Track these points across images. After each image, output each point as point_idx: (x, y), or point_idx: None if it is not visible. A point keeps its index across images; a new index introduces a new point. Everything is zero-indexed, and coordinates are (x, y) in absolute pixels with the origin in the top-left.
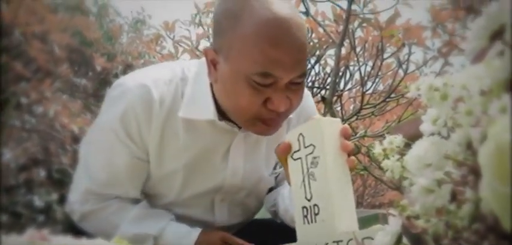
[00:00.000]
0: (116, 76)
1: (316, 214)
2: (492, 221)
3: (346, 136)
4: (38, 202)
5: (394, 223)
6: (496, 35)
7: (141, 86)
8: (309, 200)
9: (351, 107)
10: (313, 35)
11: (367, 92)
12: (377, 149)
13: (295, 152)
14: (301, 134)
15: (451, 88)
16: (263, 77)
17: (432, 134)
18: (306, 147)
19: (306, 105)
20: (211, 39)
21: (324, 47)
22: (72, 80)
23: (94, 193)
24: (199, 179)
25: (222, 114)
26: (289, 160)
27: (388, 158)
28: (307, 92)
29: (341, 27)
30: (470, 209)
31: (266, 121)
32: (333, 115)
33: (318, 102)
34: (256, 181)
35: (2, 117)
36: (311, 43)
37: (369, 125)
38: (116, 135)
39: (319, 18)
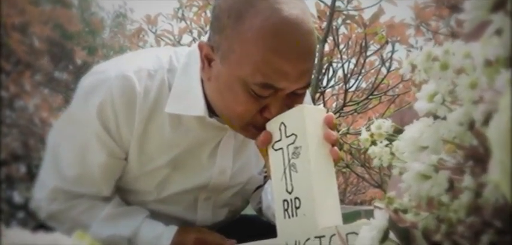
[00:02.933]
0: None
1: (297, 208)
2: (489, 214)
3: (330, 125)
4: (18, 197)
5: (380, 217)
6: (499, 5)
7: (123, 77)
8: (289, 193)
9: (334, 104)
10: None
11: (350, 90)
12: (364, 135)
13: (276, 142)
14: (282, 122)
15: (453, 57)
16: (263, 87)
17: (428, 114)
18: (287, 136)
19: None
20: (193, 34)
21: None
22: (52, 74)
23: (63, 191)
24: (184, 177)
25: (211, 110)
26: (270, 151)
27: (376, 145)
28: None
29: (325, 24)
30: (468, 199)
31: (259, 128)
32: None
33: None
34: (244, 180)
35: None
36: None
37: (352, 123)
38: (91, 129)
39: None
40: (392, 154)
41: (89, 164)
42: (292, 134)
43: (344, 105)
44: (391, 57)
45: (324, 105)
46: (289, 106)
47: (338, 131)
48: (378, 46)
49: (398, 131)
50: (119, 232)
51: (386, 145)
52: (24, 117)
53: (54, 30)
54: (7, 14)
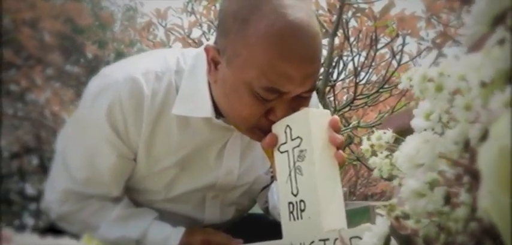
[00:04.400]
0: (108, 64)
1: (302, 210)
2: (489, 223)
3: (335, 128)
4: (30, 189)
5: (382, 224)
6: (498, 20)
7: (131, 80)
8: (295, 196)
9: (345, 98)
10: None
11: (361, 83)
12: (364, 145)
13: (282, 144)
14: (288, 125)
15: (447, 78)
16: (268, 91)
17: (425, 130)
18: (292, 139)
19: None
20: (203, 28)
21: None
22: (63, 68)
23: (73, 193)
24: (192, 177)
25: (218, 111)
26: (276, 153)
27: (376, 155)
28: None
29: (335, 17)
30: (465, 213)
31: (265, 130)
32: (326, 106)
33: None
34: (252, 180)
35: None
36: None
37: (362, 116)
38: (100, 131)
39: (313, 8)
40: (392, 165)
41: (99, 166)
42: (298, 137)
43: (354, 98)
44: (401, 50)
45: (335, 99)
46: (294, 109)
47: (349, 124)
48: (389, 39)
49: (404, 133)
50: (128, 234)
51: (387, 156)
52: (35, 111)
53: (65, 25)
54: (17, 9)
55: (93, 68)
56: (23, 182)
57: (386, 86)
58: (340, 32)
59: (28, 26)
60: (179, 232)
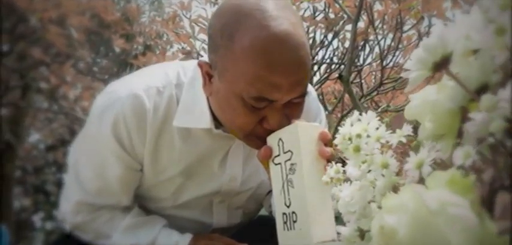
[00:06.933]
0: (136, 57)
1: (294, 222)
2: None
3: (325, 141)
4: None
5: None
6: (440, 65)
7: (133, 96)
8: (288, 207)
9: (373, 80)
10: (330, 10)
11: (388, 66)
12: (325, 178)
13: (276, 156)
14: (280, 138)
15: (367, 139)
16: (258, 100)
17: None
18: (285, 153)
19: (308, 107)
20: None
21: (341, 22)
22: (92, 62)
23: (86, 204)
24: (197, 184)
25: (218, 121)
26: (271, 165)
27: (336, 186)
28: (312, 92)
29: (358, 1)
30: None
31: (262, 138)
32: (350, 93)
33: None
34: (255, 185)
35: (24, 102)
36: (327, 19)
37: (391, 99)
38: (107, 145)
39: None
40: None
41: (108, 177)
42: (289, 150)
43: (381, 82)
44: (428, 32)
45: (361, 83)
46: (287, 115)
47: (377, 109)
48: (415, 21)
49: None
50: (139, 242)
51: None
52: (67, 105)
53: (92, 20)
54: (44, 8)
55: (121, 61)
56: (60, 173)
57: None
58: (364, 16)
59: (55, 24)
60: (186, 238)
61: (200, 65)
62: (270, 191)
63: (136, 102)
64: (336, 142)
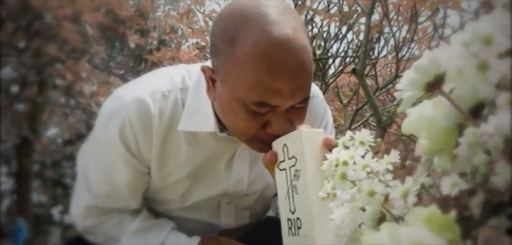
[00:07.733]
0: (150, 52)
1: (299, 228)
2: None
3: (329, 147)
4: None
5: None
6: (433, 85)
7: (139, 101)
8: (292, 213)
9: (388, 73)
10: (345, 3)
11: (403, 58)
12: (322, 193)
13: (281, 162)
14: (285, 144)
15: (353, 166)
16: (259, 106)
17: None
18: (289, 159)
19: (314, 110)
20: None
21: (356, 15)
22: (108, 58)
23: (95, 207)
24: (204, 187)
25: (223, 124)
26: (276, 170)
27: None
28: (318, 94)
29: None
30: None
31: (266, 142)
32: (365, 87)
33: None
34: (262, 187)
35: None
36: (341, 12)
37: None
38: (114, 150)
39: None
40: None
41: (116, 181)
42: (293, 157)
43: (396, 75)
44: (443, 23)
45: (376, 76)
46: (290, 120)
47: (392, 101)
48: (430, 12)
49: None
50: None
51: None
52: (84, 102)
53: (106, 16)
54: (58, 6)
55: (136, 56)
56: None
57: None
58: (379, 8)
59: (70, 20)
60: (194, 241)
61: (203, 70)
62: (276, 194)
63: (142, 107)
64: (322, 168)
